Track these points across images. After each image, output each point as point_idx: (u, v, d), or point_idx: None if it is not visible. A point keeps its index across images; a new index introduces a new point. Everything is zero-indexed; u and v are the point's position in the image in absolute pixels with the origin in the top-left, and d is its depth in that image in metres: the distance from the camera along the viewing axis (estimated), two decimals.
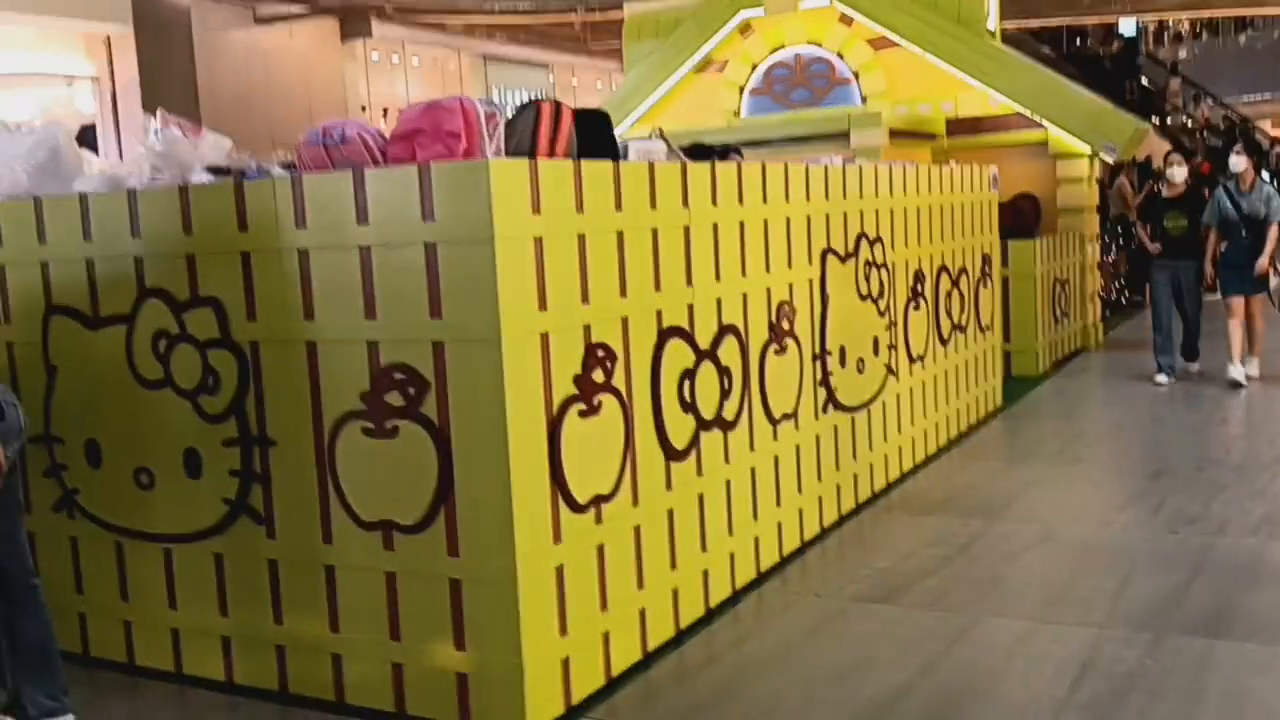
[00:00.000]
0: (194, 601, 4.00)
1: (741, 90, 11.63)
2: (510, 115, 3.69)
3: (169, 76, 13.03)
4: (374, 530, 3.62)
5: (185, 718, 3.84)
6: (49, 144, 4.25)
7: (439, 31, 16.79)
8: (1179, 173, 9.10)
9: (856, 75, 11.17)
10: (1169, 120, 26.48)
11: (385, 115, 17.29)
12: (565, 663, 3.60)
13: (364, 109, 16.20)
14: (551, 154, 3.70)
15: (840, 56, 11.24)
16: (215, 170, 3.98)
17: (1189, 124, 28.17)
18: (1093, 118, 10.45)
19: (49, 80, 13.63)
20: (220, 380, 3.82)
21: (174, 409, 3.90)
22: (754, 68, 11.55)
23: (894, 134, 9.88)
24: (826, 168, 5.37)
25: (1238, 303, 8.55)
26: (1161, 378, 8.72)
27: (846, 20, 11.05)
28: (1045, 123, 10.35)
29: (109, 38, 13.19)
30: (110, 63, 13.25)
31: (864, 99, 11.12)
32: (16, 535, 3.63)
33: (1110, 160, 10.64)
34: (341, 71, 15.56)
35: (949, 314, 7.05)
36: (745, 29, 11.51)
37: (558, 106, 3.74)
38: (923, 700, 3.61)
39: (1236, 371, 8.43)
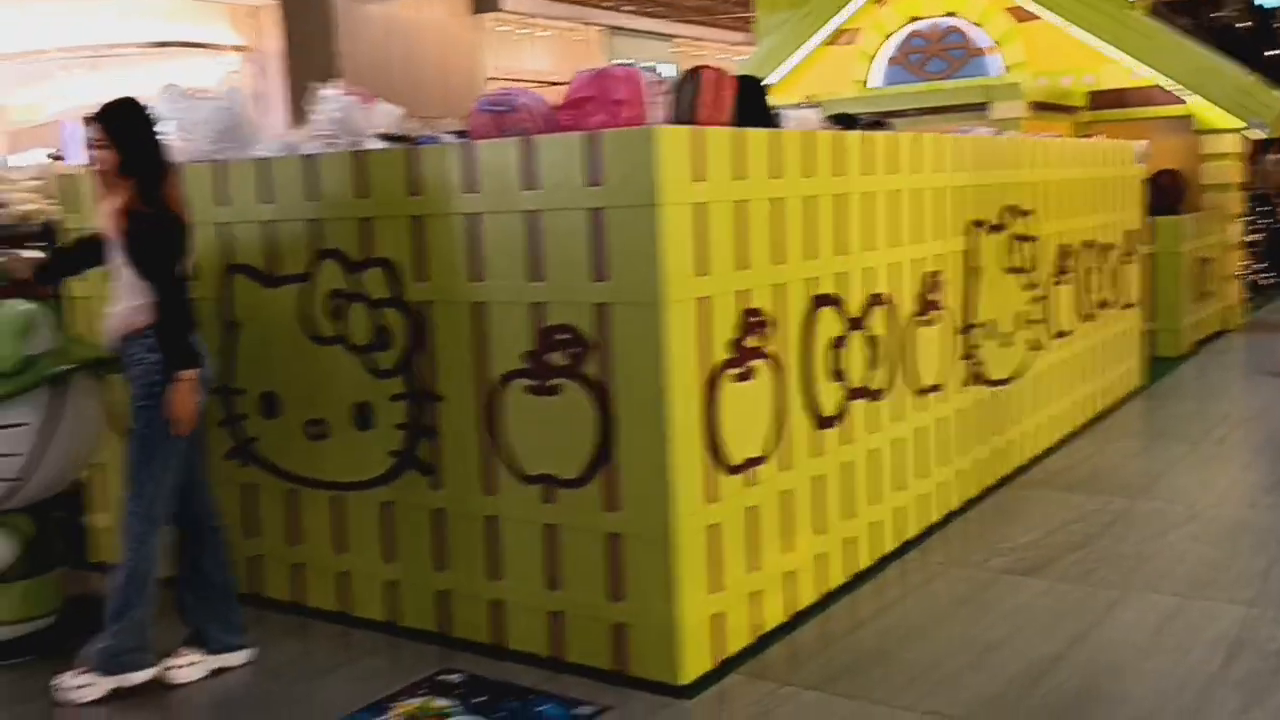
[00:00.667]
0: (361, 547, 4.21)
1: (873, 60, 11.51)
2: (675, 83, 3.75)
3: (311, 48, 13.47)
4: (535, 484, 3.76)
5: (351, 656, 4.05)
6: (230, 110, 4.47)
7: (568, 3, 16.94)
8: None
9: (995, 46, 10.94)
10: None
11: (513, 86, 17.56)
12: (716, 619, 3.70)
13: (496, 78, 16.45)
14: (713, 121, 3.76)
15: (978, 27, 11.02)
16: (387, 137, 4.14)
17: None
18: (1240, 92, 10.07)
19: (197, 51, 14.22)
20: (391, 338, 4.00)
21: (346, 364, 4.10)
22: (888, 37, 11.41)
23: (1034, 106, 9.67)
24: (975, 138, 5.32)
25: None
26: None
27: None
28: (1191, 97, 10.00)
29: (256, 10, 13.70)
30: (257, 34, 13.76)
31: (1003, 70, 10.89)
32: (202, 477, 3.88)
33: (1262, 135, 10.23)
34: (472, 44, 15.82)
35: (1094, 290, 6.91)
36: None
37: (720, 74, 3.80)
38: (1074, 671, 3.60)
39: None
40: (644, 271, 3.43)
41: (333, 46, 13.47)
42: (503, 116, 3.73)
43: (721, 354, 3.69)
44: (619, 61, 18.12)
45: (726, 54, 20.68)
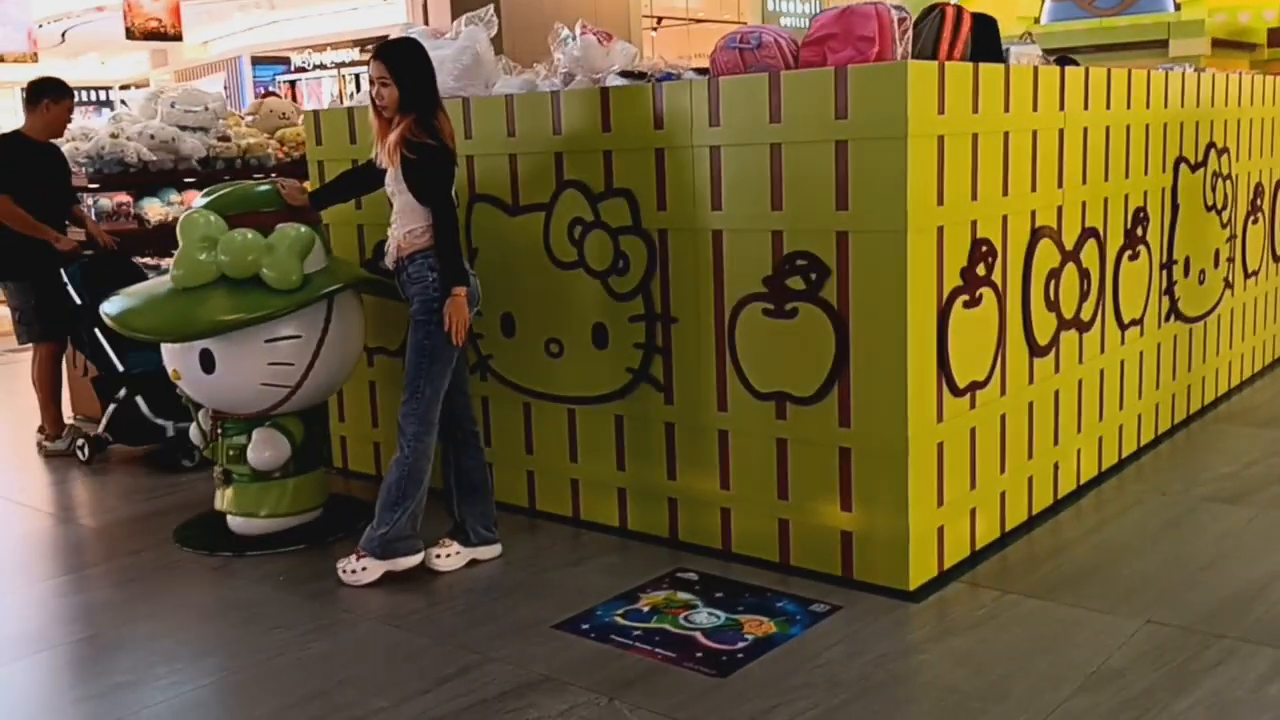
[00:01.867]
0: (594, 456, 4.55)
1: None
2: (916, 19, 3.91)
3: None
4: (768, 400, 4.03)
5: (582, 555, 4.41)
6: (472, 49, 4.79)
7: None
8: None
9: None
10: None
11: (659, 24, 17.66)
12: (940, 531, 3.94)
13: (645, 18, 16.55)
14: (950, 57, 3.92)
15: None
16: (627, 74, 4.40)
17: None
18: None
19: None
20: (630, 263, 4.29)
21: (585, 287, 4.42)
22: None
23: (1213, 43, 9.46)
24: (1184, 74, 5.34)
25: None
26: None
27: None
28: None
29: None
30: None
31: (1178, 6, 10.62)
32: (465, 387, 4.26)
33: None
34: None
35: None
36: None
37: (959, 10, 3.95)
38: None
39: None
40: (890, 200, 3.64)
41: None
42: (748, 53, 3.94)
43: (953, 281, 3.88)
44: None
45: None
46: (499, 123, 4.59)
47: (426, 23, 13.83)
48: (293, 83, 16.13)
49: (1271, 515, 4.41)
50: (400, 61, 3.97)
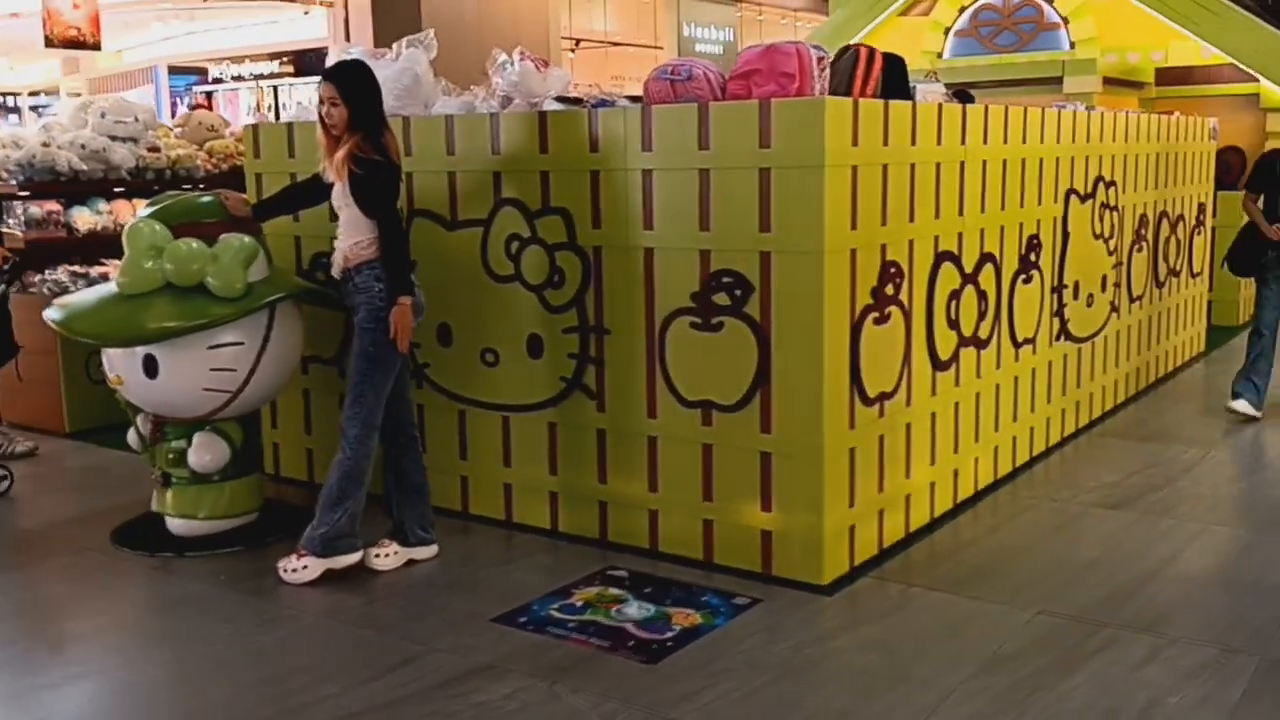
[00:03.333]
0: (526, 461, 4.77)
1: (947, 32, 11.89)
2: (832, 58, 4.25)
3: (395, 5, 13.91)
4: (694, 408, 4.30)
5: (515, 555, 4.62)
6: (413, 70, 4.99)
7: None
8: None
9: (1065, 20, 11.30)
10: None
11: (577, 46, 17.98)
12: (851, 530, 4.25)
13: (564, 39, 16.86)
14: (863, 93, 4.26)
15: (1049, 1, 11.38)
16: (564, 99, 4.66)
17: None
18: None
19: (287, 6, 14.72)
20: (565, 277, 4.53)
21: (521, 300, 4.65)
22: (961, 10, 11.78)
23: (1104, 82, 10.07)
24: (1074, 113, 5.79)
25: None
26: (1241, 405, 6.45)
27: None
28: (1260, 76, 10.35)
29: None
30: None
31: (1072, 45, 11.26)
32: (406, 393, 4.45)
33: None
34: (544, 5, 16.21)
35: (1166, 259, 7.38)
36: None
37: (872, 52, 4.29)
38: (1168, 585, 4.13)
39: None
40: (808, 224, 3.95)
41: (417, 3, 13.90)
42: (679, 84, 4.23)
43: (864, 299, 4.21)
44: (686, 25, 18.49)
45: (788, 20, 20.99)
46: (439, 141, 4.80)
47: (348, 38, 13.95)
48: (209, 94, 16.03)
49: (1149, 520, 4.82)
50: (350, 83, 4.17)
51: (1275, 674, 3.43)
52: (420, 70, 5.02)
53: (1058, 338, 5.85)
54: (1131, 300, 6.85)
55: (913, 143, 4.41)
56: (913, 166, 4.43)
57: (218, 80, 16.33)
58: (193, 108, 8.74)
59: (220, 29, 15.45)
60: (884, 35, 12.17)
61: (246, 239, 4.52)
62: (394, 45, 5.15)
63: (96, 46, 11.85)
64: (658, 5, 18.58)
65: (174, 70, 16.75)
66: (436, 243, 4.87)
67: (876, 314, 4.28)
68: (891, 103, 4.28)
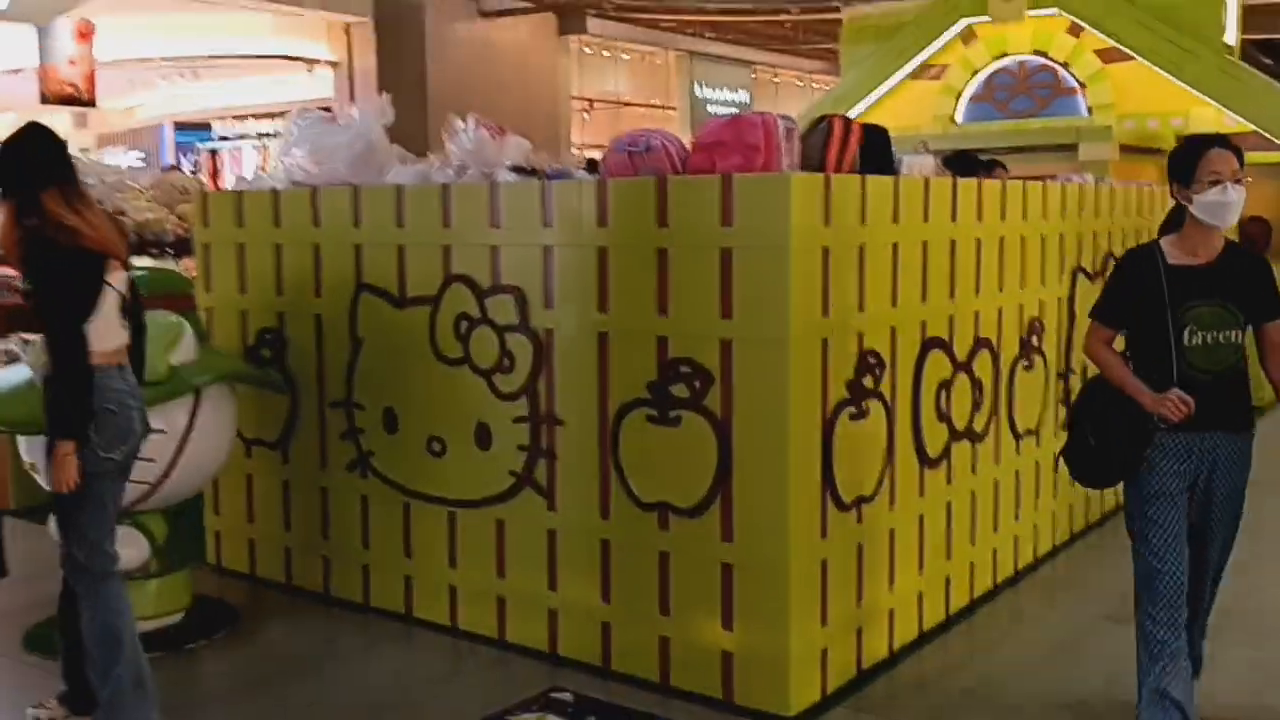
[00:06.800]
0: (473, 563, 4.36)
1: (959, 96, 11.56)
2: (804, 130, 3.88)
3: (401, 65, 13.77)
4: (651, 510, 3.89)
5: (459, 671, 4.20)
6: (366, 136, 4.67)
7: (652, 28, 17.15)
8: None
9: (1083, 86, 10.94)
10: None
11: (591, 106, 17.83)
12: (824, 653, 3.80)
13: (574, 99, 16.71)
14: (839, 168, 3.88)
15: (1066, 67, 11.03)
16: (518, 169, 4.31)
17: None
18: None
19: (292, 65, 14.62)
20: (515, 361, 4.15)
21: (470, 385, 4.26)
22: (975, 74, 11.45)
23: (1122, 149, 9.68)
24: (1081, 186, 5.40)
25: None
26: None
27: (1075, 30, 10.84)
28: None
29: (348, 27, 14.06)
30: (350, 50, 14.10)
31: (1090, 111, 10.90)
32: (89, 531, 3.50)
33: None
34: (555, 66, 16.07)
35: None
36: (968, 36, 11.41)
37: (848, 123, 3.92)
38: None
39: None
40: (772, 310, 3.56)
41: (424, 63, 13.76)
42: (638, 156, 3.87)
43: (839, 393, 3.79)
44: (698, 85, 18.33)
45: (804, 83, 20.80)
46: (388, 212, 4.46)
47: (352, 97, 13.80)
48: (214, 151, 15.93)
49: None
50: None
51: None
52: (374, 137, 4.70)
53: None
54: None
55: (895, 220, 4.02)
56: (895, 246, 4.03)
57: (223, 138, 16.24)
58: (168, 169, 8.54)
59: (225, 86, 15.40)
60: (896, 99, 11.85)
61: (172, 318, 4.18)
62: (347, 109, 4.85)
63: (91, 103, 11.72)
64: (670, 67, 18.42)
65: (180, 126, 16.66)
66: (384, 320, 4.51)
67: (853, 408, 3.86)
68: (870, 177, 3.90)
